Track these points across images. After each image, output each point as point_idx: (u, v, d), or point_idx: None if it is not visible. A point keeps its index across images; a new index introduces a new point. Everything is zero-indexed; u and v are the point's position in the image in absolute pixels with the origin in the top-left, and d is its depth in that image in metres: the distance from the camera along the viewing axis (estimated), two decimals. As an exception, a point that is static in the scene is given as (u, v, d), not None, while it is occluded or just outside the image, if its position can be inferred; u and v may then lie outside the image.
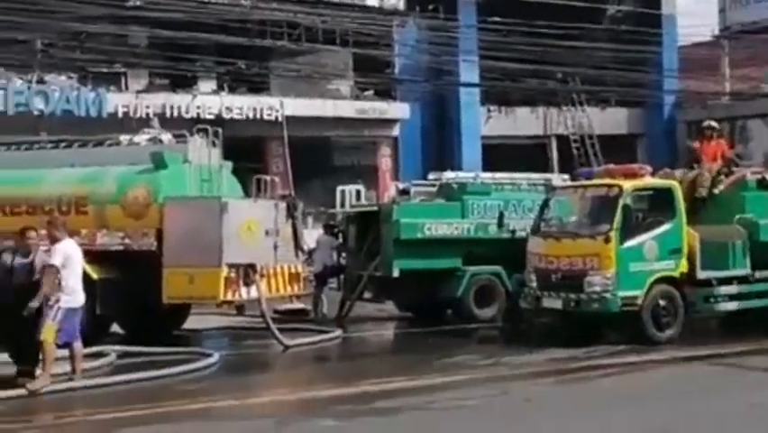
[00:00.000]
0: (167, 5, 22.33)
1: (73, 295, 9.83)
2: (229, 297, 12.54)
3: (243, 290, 12.66)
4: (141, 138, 14.33)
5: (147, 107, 22.70)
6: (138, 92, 23.76)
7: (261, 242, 12.94)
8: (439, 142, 27.60)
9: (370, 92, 27.75)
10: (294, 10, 24.68)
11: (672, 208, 12.89)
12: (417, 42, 26.84)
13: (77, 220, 12.63)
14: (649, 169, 13.84)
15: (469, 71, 26.88)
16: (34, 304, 9.51)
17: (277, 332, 12.78)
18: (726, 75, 31.37)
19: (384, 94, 27.61)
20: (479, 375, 10.78)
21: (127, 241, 12.87)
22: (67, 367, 10.03)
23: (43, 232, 10.42)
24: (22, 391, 9.41)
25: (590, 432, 7.84)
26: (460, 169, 21.73)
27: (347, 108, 26.20)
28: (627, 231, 12.50)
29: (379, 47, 26.51)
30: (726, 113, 28.43)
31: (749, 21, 30.38)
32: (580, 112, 29.46)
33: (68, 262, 9.83)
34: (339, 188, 17.64)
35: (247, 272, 12.64)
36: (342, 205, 17.41)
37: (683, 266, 12.77)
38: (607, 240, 12.43)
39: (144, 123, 17.41)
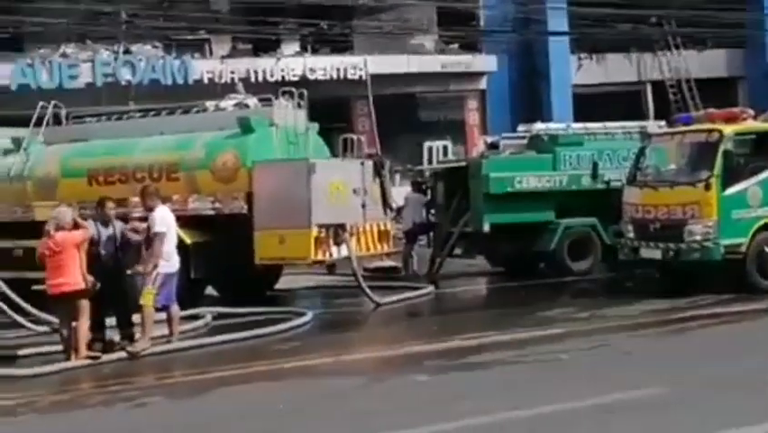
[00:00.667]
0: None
1: (169, 260, 9.99)
2: (320, 257, 12.61)
3: (334, 249, 12.71)
4: (228, 103, 14.43)
5: (232, 73, 22.84)
6: (222, 57, 23.92)
7: (350, 201, 12.93)
8: (528, 93, 26.95)
9: (455, 46, 27.26)
10: (375, -34, 24.39)
11: (776, 153, 12.31)
12: (503, -8, 26.18)
13: (169, 186, 12.83)
14: (751, 112, 13.28)
15: (557, 19, 26.11)
16: (140, 269, 9.74)
17: (368, 290, 12.79)
18: (833, 10, 29.58)
19: (470, 47, 27.09)
20: (575, 328, 10.54)
21: (218, 205, 13.05)
22: (165, 330, 10.22)
23: (135, 199, 10.58)
24: (123, 354, 9.65)
25: (696, 385, 7.51)
26: (550, 120, 21.19)
27: (432, 63, 25.79)
28: (729, 177, 12.06)
29: (463, -1, 25.98)
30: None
31: None
32: (675, 56, 28.31)
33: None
34: (426, 144, 17.53)
35: (337, 232, 12.66)
36: (430, 161, 17.29)
37: (790, 211, 12.20)
38: (707, 187, 11.99)
39: (230, 88, 17.51)
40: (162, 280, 9.85)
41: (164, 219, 10.02)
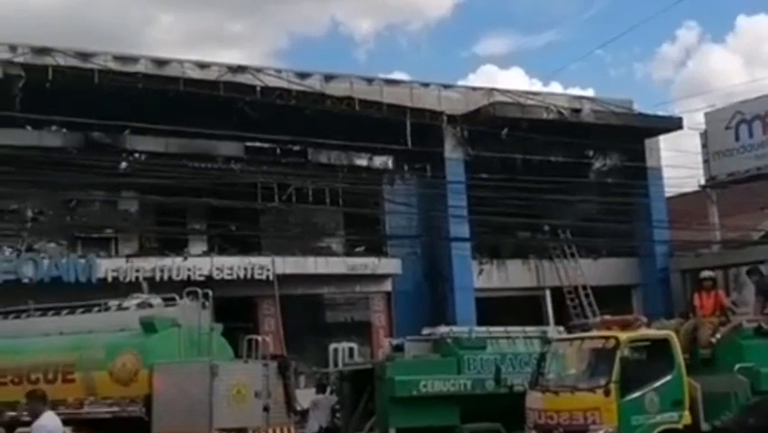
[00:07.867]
0: (158, 171, 22.59)
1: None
2: (220, 462, 12.14)
3: (235, 454, 12.28)
4: (131, 303, 14.28)
5: (137, 271, 22.59)
6: (128, 256, 23.67)
7: (252, 404, 12.63)
8: (432, 296, 27.50)
9: (362, 248, 27.89)
10: (284, 172, 25.09)
11: (670, 359, 12.71)
12: (407, 199, 27.20)
13: (64, 388, 12.49)
14: (644, 319, 13.78)
15: (459, 226, 27.13)
16: None
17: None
18: (715, 224, 31.65)
19: (376, 250, 27.76)
20: None
21: (115, 408, 12.68)
22: None
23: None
24: None
25: None
26: (454, 323, 21.47)
27: (339, 265, 26.23)
28: (627, 383, 12.26)
29: (369, 205, 26.84)
30: (719, 261, 28.48)
31: (734, 171, 31.08)
32: (572, 263, 29.51)
33: None
34: (331, 346, 17.39)
35: (238, 437, 12.28)
36: (336, 363, 17.09)
37: (686, 418, 12.46)
38: (607, 393, 12.16)
39: (134, 287, 17.33)
40: None
41: (43, 429, 9.33)
